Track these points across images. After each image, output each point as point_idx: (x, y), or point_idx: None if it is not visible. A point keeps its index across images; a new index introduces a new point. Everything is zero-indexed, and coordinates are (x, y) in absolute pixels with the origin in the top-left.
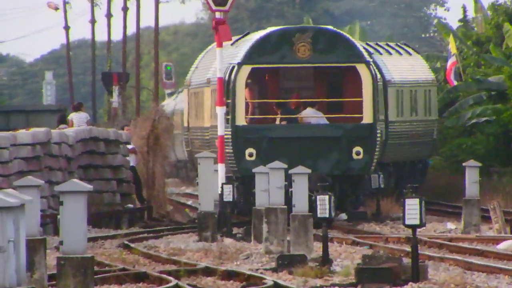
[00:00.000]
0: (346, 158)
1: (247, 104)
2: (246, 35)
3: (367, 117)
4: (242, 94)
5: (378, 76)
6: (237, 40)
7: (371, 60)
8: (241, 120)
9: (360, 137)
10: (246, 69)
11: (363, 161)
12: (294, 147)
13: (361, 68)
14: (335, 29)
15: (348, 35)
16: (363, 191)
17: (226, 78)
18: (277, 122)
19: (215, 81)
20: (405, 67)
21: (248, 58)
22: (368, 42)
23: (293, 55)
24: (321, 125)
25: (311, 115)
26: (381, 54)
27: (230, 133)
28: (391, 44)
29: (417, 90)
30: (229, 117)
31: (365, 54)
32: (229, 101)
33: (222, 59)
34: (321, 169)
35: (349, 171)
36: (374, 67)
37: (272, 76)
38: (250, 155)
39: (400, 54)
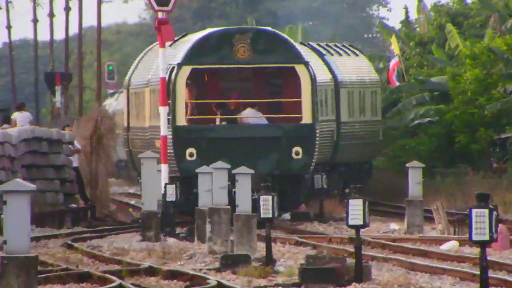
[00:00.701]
0: (285, 158)
1: (186, 104)
2: (184, 35)
3: (306, 117)
4: (182, 95)
5: (330, 76)
6: (176, 41)
7: (318, 59)
8: (181, 120)
9: (299, 137)
10: (186, 70)
11: (302, 161)
12: (234, 147)
13: (300, 69)
14: (274, 30)
15: (287, 36)
16: (303, 191)
17: (166, 78)
18: (217, 122)
19: (155, 81)
20: (354, 68)
21: (188, 58)
22: (319, 43)
23: (233, 56)
24: (260, 125)
25: (251, 116)
26: (332, 54)
27: (170, 133)
28: (338, 45)
29: (365, 91)
30: (169, 117)
31: (314, 54)
32: (169, 101)
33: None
34: (261, 169)
35: (289, 171)
36: (312, 68)
37: (212, 77)
38: (191, 155)
39: (348, 55)
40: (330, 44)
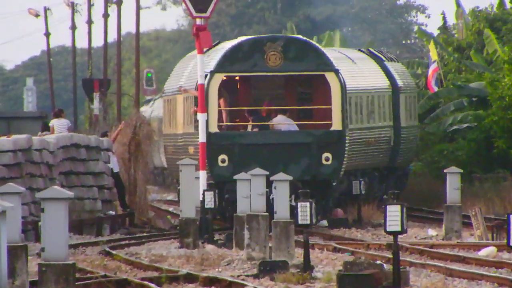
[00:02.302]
0: (315, 163)
1: (219, 111)
2: (217, 44)
3: (336, 124)
4: (215, 102)
5: (388, 82)
6: (209, 49)
7: (377, 66)
8: (213, 127)
9: (329, 143)
10: (219, 77)
11: (332, 167)
12: (265, 153)
13: (330, 76)
14: (305, 38)
15: (317, 44)
16: (333, 196)
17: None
18: (249, 129)
19: (188, 88)
20: (401, 73)
21: (221, 66)
22: (375, 49)
23: (264, 64)
24: (291, 131)
25: (282, 122)
26: (388, 60)
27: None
28: (383, 50)
29: (411, 96)
30: None
31: (372, 60)
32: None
33: (197, 66)
34: (291, 175)
35: (319, 176)
36: (342, 76)
37: (244, 84)
38: (223, 161)
39: (393, 60)
40: (380, 50)
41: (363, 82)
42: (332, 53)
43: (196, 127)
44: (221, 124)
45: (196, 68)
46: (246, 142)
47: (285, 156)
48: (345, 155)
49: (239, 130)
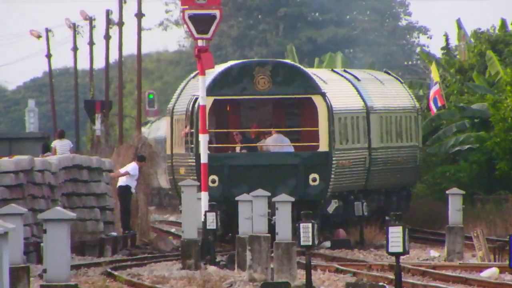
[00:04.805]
0: (302, 184)
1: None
2: None
3: (323, 146)
4: None
5: (413, 104)
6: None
7: (402, 87)
8: None
9: (316, 165)
10: (209, 101)
11: (319, 187)
12: (254, 174)
13: (317, 99)
14: (292, 62)
15: (304, 68)
16: (320, 216)
17: (190, 108)
18: (237, 150)
19: (179, 111)
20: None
21: (211, 90)
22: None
23: (253, 87)
24: (279, 153)
25: (278, 140)
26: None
27: (194, 161)
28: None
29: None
30: (193, 145)
31: (398, 82)
32: (192, 130)
33: (188, 91)
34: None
35: (306, 196)
36: (328, 98)
37: (233, 106)
38: (213, 181)
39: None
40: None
41: (392, 102)
42: (362, 74)
43: (187, 149)
44: (211, 145)
45: (186, 92)
46: (236, 163)
47: (273, 177)
48: (332, 176)
49: (228, 152)
